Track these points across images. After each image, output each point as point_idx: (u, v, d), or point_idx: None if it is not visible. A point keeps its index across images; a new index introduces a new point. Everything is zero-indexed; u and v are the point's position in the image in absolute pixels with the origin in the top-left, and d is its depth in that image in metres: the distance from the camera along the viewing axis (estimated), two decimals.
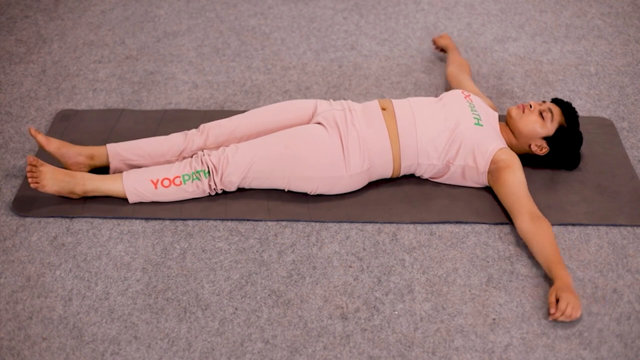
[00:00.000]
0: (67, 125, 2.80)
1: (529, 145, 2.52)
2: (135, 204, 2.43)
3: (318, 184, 2.42)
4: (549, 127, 2.49)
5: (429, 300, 2.17)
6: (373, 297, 2.18)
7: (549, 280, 2.22)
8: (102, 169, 2.53)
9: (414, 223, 2.41)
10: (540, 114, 2.49)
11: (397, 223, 2.40)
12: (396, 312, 2.13)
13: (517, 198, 2.33)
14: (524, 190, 2.35)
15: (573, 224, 2.41)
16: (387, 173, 2.48)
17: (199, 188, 2.42)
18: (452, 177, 2.49)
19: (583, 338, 2.07)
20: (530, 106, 2.51)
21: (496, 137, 2.47)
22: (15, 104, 2.94)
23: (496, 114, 2.57)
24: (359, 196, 2.48)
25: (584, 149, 2.66)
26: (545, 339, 2.07)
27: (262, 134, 2.52)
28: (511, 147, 2.55)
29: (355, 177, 2.42)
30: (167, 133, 2.65)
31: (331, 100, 2.64)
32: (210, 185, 2.42)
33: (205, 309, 2.14)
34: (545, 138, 2.50)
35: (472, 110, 2.47)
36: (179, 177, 2.40)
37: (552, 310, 2.07)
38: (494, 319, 2.12)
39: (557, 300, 2.08)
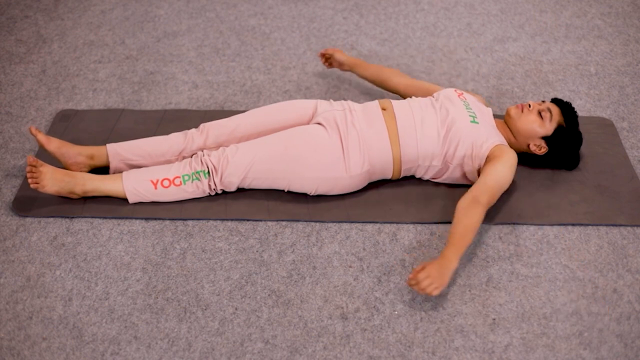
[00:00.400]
0: (67, 125, 2.80)
1: (528, 145, 2.53)
2: (135, 204, 2.43)
3: (318, 184, 2.42)
4: (548, 127, 2.49)
5: (429, 300, 2.17)
6: (373, 297, 2.18)
7: (549, 280, 2.22)
8: (102, 169, 2.53)
9: (414, 223, 2.41)
10: (539, 113, 2.49)
11: (397, 223, 2.40)
12: (396, 312, 2.13)
13: (483, 181, 2.31)
14: (494, 181, 2.32)
15: (573, 224, 2.41)
16: (388, 174, 2.48)
17: (198, 188, 2.42)
18: (452, 176, 2.49)
19: (583, 338, 2.07)
20: (529, 106, 2.51)
21: (493, 133, 2.47)
22: (15, 104, 2.94)
23: (490, 110, 2.57)
24: (359, 196, 2.48)
25: (584, 149, 2.66)
26: (545, 339, 2.07)
27: (262, 134, 2.52)
28: (510, 145, 2.55)
29: (355, 178, 2.42)
30: (167, 133, 2.65)
31: (331, 100, 2.64)
32: (210, 186, 2.42)
33: (205, 309, 2.14)
34: (544, 138, 2.50)
35: (466, 109, 2.47)
36: (179, 177, 2.40)
37: (411, 275, 2.08)
38: (494, 319, 2.12)
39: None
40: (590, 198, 2.49)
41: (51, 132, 2.75)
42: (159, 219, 2.41)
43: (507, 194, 2.48)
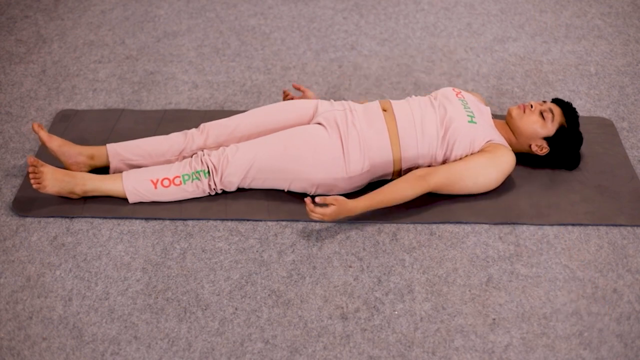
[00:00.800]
0: (67, 125, 2.80)
1: (530, 145, 2.53)
2: (135, 204, 2.43)
3: (318, 184, 2.41)
4: (550, 128, 2.49)
5: (429, 300, 2.17)
6: (373, 297, 2.18)
7: (549, 280, 2.22)
8: (102, 169, 2.53)
9: (414, 223, 2.41)
10: (541, 114, 2.49)
11: (397, 223, 2.40)
12: (396, 312, 2.13)
13: (449, 166, 2.39)
14: (458, 172, 2.39)
15: (573, 224, 2.41)
16: (388, 174, 2.48)
17: (198, 188, 2.42)
18: None
19: (583, 338, 2.07)
20: (531, 106, 2.51)
21: (491, 132, 2.47)
22: (15, 104, 2.94)
23: (488, 109, 2.57)
24: (359, 196, 2.47)
25: (584, 149, 2.66)
26: (545, 339, 2.07)
27: (263, 134, 2.52)
28: (511, 145, 2.55)
29: (355, 179, 2.42)
30: (167, 133, 2.65)
31: (332, 100, 2.64)
32: (210, 185, 2.42)
33: (205, 309, 2.14)
34: (546, 138, 2.50)
35: (465, 108, 2.47)
36: (179, 177, 2.40)
37: (318, 209, 2.25)
38: (494, 319, 2.12)
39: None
40: (590, 198, 2.49)
41: (51, 132, 2.75)
42: (159, 219, 2.41)
43: (507, 194, 2.48)
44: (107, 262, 2.27)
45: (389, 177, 2.49)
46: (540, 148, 2.52)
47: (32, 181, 2.33)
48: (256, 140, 2.44)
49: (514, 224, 2.40)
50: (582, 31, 3.45)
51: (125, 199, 2.43)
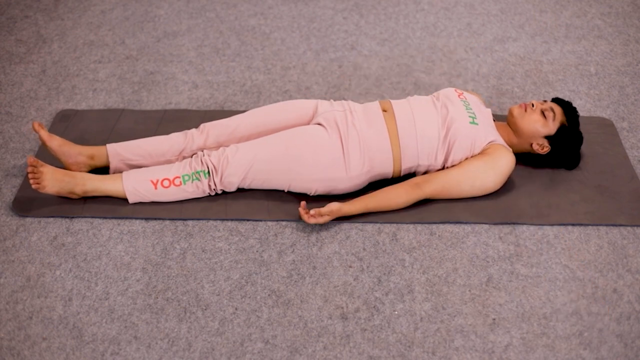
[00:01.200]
0: (67, 125, 2.80)
1: (531, 144, 2.53)
2: (135, 204, 2.43)
3: (318, 185, 2.41)
4: (551, 127, 2.49)
5: (429, 300, 2.17)
6: (373, 297, 2.18)
7: (549, 280, 2.22)
8: (103, 169, 2.53)
9: (414, 223, 2.41)
10: (542, 113, 2.49)
11: (397, 223, 2.40)
12: (396, 312, 2.13)
13: (445, 174, 2.41)
14: (455, 179, 2.40)
15: (573, 224, 2.41)
16: (388, 174, 2.47)
17: (198, 188, 2.42)
18: None
19: (583, 338, 2.07)
20: (533, 105, 2.51)
21: (492, 133, 2.47)
22: (15, 104, 2.94)
23: (489, 110, 2.57)
24: (355, 198, 2.47)
25: (584, 149, 2.66)
26: (545, 339, 2.07)
27: (263, 134, 2.52)
28: (512, 146, 2.55)
29: (354, 179, 2.42)
30: (167, 133, 2.65)
31: (332, 100, 2.64)
32: (210, 186, 2.42)
33: (205, 309, 2.14)
34: (547, 137, 2.50)
35: (466, 109, 2.47)
36: (179, 177, 2.40)
37: (312, 213, 2.30)
38: (494, 319, 2.12)
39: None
40: (590, 198, 2.49)
41: (51, 132, 2.75)
42: (159, 219, 2.41)
43: (507, 194, 2.48)
44: (107, 262, 2.27)
45: (389, 177, 2.49)
46: (542, 147, 2.52)
47: (31, 181, 2.33)
48: (256, 141, 2.44)
49: (514, 224, 2.40)
50: (582, 31, 3.45)
51: (125, 199, 2.43)
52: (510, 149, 2.49)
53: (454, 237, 2.36)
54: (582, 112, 2.90)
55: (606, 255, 2.31)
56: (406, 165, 2.46)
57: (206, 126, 2.53)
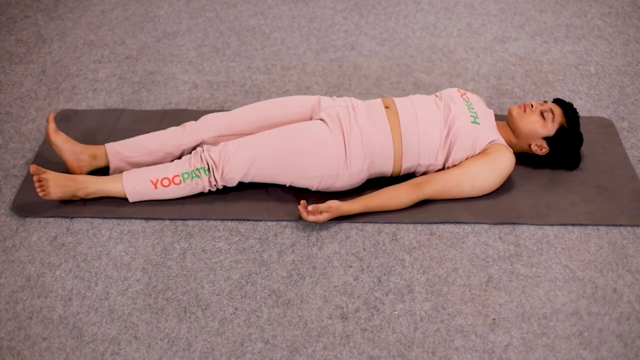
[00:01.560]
0: (68, 125, 2.80)
1: (529, 145, 2.53)
2: (135, 204, 2.43)
3: (320, 180, 2.41)
4: (550, 128, 2.49)
5: (429, 300, 2.17)
6: (373, 297, 2.18)
7: (549, 280, 2.22)
8: (104, 170, 2.53)
9: (414, 223, 2.41)
10: (542, 114, 2.49)
11: (397, 223, 2.40)
12: (396, 312, 2.13)
13: (445, 174, 2.42)
14: (455, 180, 2.41)
15: (573, 224, 2.41)
16: (387, 172, 2.47)
17: (198, 185, 2.42)
18: None
19: (583, 338, 2.07)
20: (532, 106, 2.51)
21: (493, 133, 2.47)
22: (15, 104, 2.94)
23: (491, 111, 2.57)
24: (354, 198, 2.47)
25: (584, 149, 2.66)
26: (545, 339, 2.07)
27: (263, 129, 2.52)
28: (511, 146, 2.55)
29: (355, 175, 2.42)
30: None
31: (334, 96, 2.64)
32: (210, 182, 2.42)
33: (205, 309, 2.14)
34: (546, 138, 2.50)
35: (469, 109, 2.47)
36: (178, 175, 2.40)
37: (311, 209, 2.30)
38: (494, 319, 2.12)
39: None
40: (590, 198, 2.49)
41: None
42: (159, 219, 2.41)
43: (507, 194, 2.48)
44: (107, 262, 2.27)
45: (388, 174, 2.49)
46: (540, 148, 2.51)
47: (37, 190, 2.33)
48: (258, 137, 2.44)
49: (514, 224, 2.40)
50: (582, 31, 3.45)
51: (125, 199, 2.43)
52: (511, 149, 2.49)
53: (454, 237, 2.36)
54: (582, 112, 2.90)
55: (606, 255, 2.31)
56: (407, 164, 2.45)
57: (205, 119, 2.53)
